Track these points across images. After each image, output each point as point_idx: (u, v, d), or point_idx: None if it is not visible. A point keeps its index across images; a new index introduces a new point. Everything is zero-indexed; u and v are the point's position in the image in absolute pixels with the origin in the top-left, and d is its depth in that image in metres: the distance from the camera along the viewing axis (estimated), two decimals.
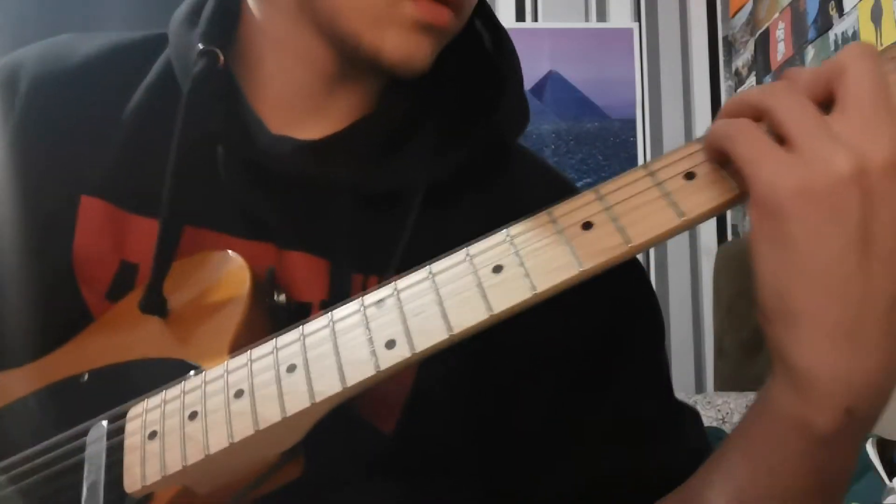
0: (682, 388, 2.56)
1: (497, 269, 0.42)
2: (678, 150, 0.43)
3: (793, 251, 0.37)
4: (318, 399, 0.43)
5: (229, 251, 0.54)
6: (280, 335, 0.46)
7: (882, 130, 0.36)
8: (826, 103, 0.39)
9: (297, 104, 0.59)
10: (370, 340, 0.43)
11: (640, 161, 2.84)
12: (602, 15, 2.92)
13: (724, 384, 2.60)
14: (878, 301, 0.37)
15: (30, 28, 2.31)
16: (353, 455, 0.51)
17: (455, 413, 0.55)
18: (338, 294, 0.55)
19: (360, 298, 0.45)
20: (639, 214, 0.41)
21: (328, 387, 0.43)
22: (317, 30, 0.56)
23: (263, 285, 0.54)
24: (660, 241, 0.41)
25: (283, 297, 0.54)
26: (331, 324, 0.45)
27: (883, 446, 1.69)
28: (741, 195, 0.40)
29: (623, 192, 0.42)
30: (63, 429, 0.49)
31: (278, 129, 0.57)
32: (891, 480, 1.58)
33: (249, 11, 0.60)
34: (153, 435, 0.46)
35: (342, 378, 0.43)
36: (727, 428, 2.21)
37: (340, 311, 0.45)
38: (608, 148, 2.84)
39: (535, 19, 2.91)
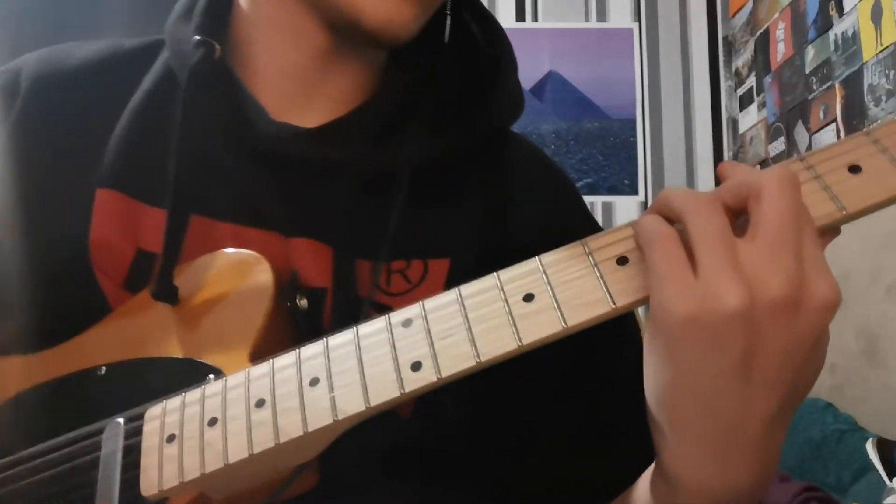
0: None
1: (528, 297, 0.41)
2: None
3: (676, 370, 0.39)
4: (340, 417, 0.42)
5: (253, 252, 0.54)
6: (304, 346, 0.45)
7: (781, 267, 0.36)
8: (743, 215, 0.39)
9: (291, 90, 0.60)
10: (395, 360, 0.42)
11: (641, 161, 2.84)
12: (602, 15, 2.92)
13: None
14: (753, 424, 0.39)
15: (29, 33, 2.31)
16: (373, 437, 0.50)
17: (463, 402, 0.55)
18: (342, 281, 0.55)
19: (387, 316, 0.44)
20: None
21: (351, 405, 0.42)
22: (301, 2, 0.57)
23: (286, 289, 0.53)
24: None
25: (304, 302, 0.54)
26: (356, 339, 0.44)
27: (883, 446, 1.69)
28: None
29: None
30: (77, 421, 0.49)
31: (278, 116, 0.58)
32: (891, 480, 1.58)
33: (238, 3, 0.62)
34: (171, 438, 0.45)
35: (366, 397, 0.42)
36: None
37: (365, 328, 0.44)
38: (608, 148, 2.84)
39: (535, 19, 2.91)
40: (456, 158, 0.60)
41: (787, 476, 1.79)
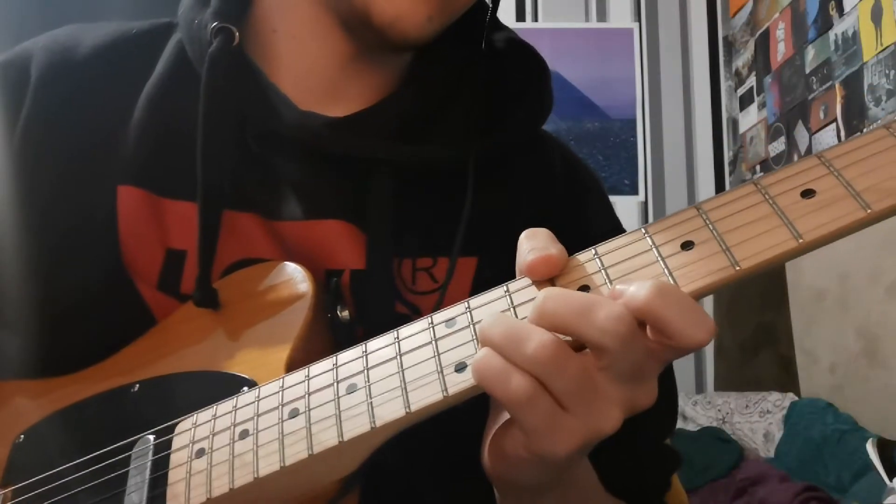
0: (683, 388, 2.56)
1: (583, 289, 0.39)
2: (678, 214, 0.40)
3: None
4: (378, 424, 0.39)
5: (293, 264, 0.52)
6: (341, 353, 0.43)
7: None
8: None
9: (315, 84, 0.59)
10: (438, 363, 0.40)
11: (641, 161, 2.84)
12: (602, 15, 2.92)
13: (723, 384, 2.60)
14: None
15: (30, 20, 2.31)
16: (422, 433, 0.49)
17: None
18: (377, 266, 0.54)
19: (429, 316, 0.42)
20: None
21: (391, 412, 0.40)
22: (318, 4, 0.56)
23: (326, 299, 0.52)
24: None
25: (346, 313, 0.52)
26: (396, 342, 0.42)
27: (883, 446, 1.69)
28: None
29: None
30: (110, 439, 0.48)
31: (304, 105, 0.56)
32: (891, 480, 1.58)
33: None
34: (201, 452, 0.44)
35: (406, 403, 0.39)
36: (727, 428, 2.21)
37: (406, 330, 0.42)
38: (608, 148, 2.84)
39: (535, 19, 2.91)
40: (485, 157, 0.59)
41: (787, 476, 1.79)
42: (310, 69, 0.58)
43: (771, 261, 0.37)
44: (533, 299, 0.39)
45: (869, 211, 0.36)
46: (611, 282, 0.39)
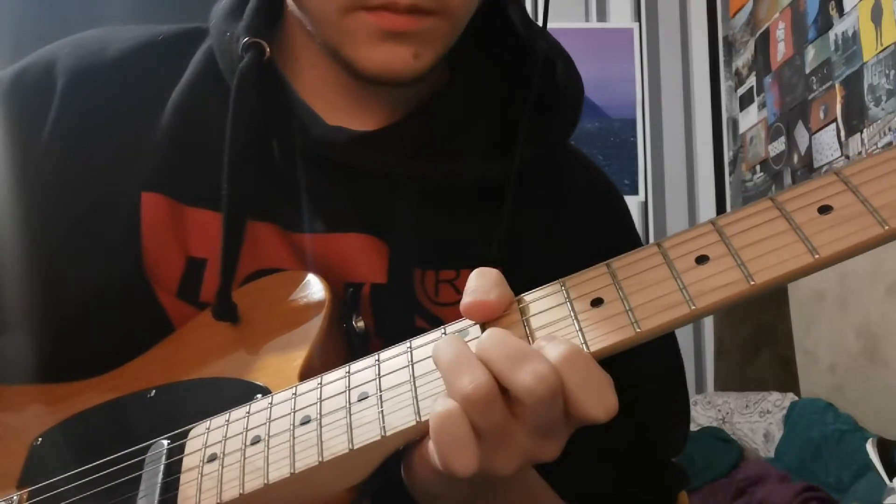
0: None
1: (596, 302, 0.39)
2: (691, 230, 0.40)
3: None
4: (388, 433, 0.40)
5: (308, 273, 0.52)
6: (354, 362, 0.44)
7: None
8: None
9: (341, 100, 0.58)
10: None
11: (641, 161, 2.84)
12: (602, 15, 2.92)
13: (723, 384, 2.60)
14: None
15: (30, 21, 2.30)
16: None
17: None
18: (398, 281, 0.54)
19: (442, 327, 0.42)
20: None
21: (401, 421, 0.40)
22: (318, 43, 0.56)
23: (342, 308, 0.52)
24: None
25: (361, 323, 0.52)
26: (409, 352, 0.42)
27: (883, 446, 1.69)
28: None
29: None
30: (125, 444, 0.48)
31: (331, 120, 0.56)
32: (891, 480, 1.58)
33: (288, 5, 0.59)
34: (213, 457, 0.44)
35: (417, 412, 0.39)
36: (727, 428, 2.21)
37: (419, 340, 0.42)
38: (608, 148, 2.84)
39: (536, 19, 2.91)
40: (521, 171, 0.58)
41: (787, 476, 1.79)
42: (334, 89, 0.58)
43: (786, 276, 0.37)
44: None
45: (886, 227, 0.37)
46: (625, 295, 0.39)
